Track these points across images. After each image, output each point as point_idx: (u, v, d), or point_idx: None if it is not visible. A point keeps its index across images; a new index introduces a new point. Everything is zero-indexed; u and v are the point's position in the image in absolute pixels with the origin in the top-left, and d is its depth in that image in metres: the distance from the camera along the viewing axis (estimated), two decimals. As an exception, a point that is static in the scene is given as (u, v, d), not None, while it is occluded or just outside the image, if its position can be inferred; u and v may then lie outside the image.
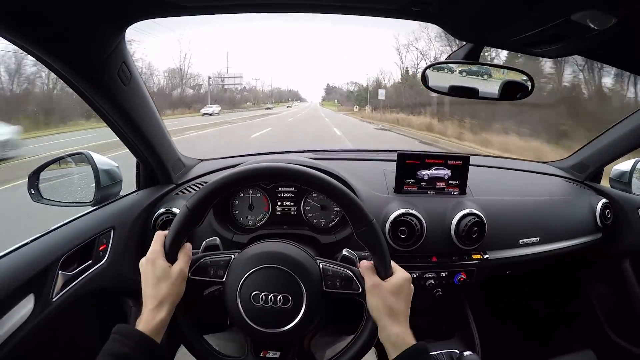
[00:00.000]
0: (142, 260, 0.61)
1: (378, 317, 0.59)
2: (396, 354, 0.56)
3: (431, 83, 0.90)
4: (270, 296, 0.60)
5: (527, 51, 0.85)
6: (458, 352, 1.15)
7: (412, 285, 0.62)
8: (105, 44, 0.69)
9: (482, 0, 0.61)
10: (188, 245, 0.63)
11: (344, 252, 0.68)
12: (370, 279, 0.60)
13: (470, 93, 0.93)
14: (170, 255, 0.60)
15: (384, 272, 0.60)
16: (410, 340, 0.57)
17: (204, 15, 0.75)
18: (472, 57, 0.83)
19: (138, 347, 0.53)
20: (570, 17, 0.59)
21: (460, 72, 0.94)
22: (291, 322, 0.60)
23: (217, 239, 0.70)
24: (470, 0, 0.61)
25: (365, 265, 0.62)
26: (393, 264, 0.62)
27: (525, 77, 0.91)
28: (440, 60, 0.90)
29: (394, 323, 0.57)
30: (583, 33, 0.65)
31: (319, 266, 0.64)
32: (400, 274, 0.61)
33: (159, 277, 0.58)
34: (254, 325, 0.60)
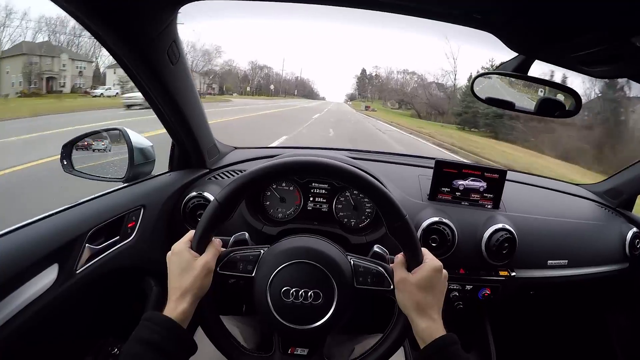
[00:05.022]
0: (169, 253, 0.61)
1: (406, 312, 0.59)
2: None
3: (478, 92, 0.90)
4: (300, 292, 0.59)
5: (579, 69, 0.84)
6: None
7: (444, 272, 0.60)
8: (158, 21, 0.69)
9: (544, 16, 0.60)
10: (217, 240, 0.63)
11: (375, 248, 0.68)
12: (399, 274, 0.60)
13: (507, 105, 0.93)
14: (198, 249, 0.59)
15: (414, 266, 0.59)
16: (437, 333, 0.56)
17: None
18: (522, 70, 0.83)
19: (167, 333, 0.53)
20: (630, 40, 0.58)
21: (506, 83, 0.94)
22: (321, 319, 0.59)
23: (246, 233, 0.69)
24: (532, 14, 0.60)
25: (397, 259, 0.62)
26: (425, 252, 0.61)
27: (571, 96, 0.89)
28: (490, 70, 0.89)
29: (421, 318, 0.57)
30: None
31: (350, 262, 0.63)
32: (429, 264, 0.59)
33: (183, 268, 0.58)
34: (283, 321, 0.59)
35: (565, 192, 1.34)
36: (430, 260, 0.60)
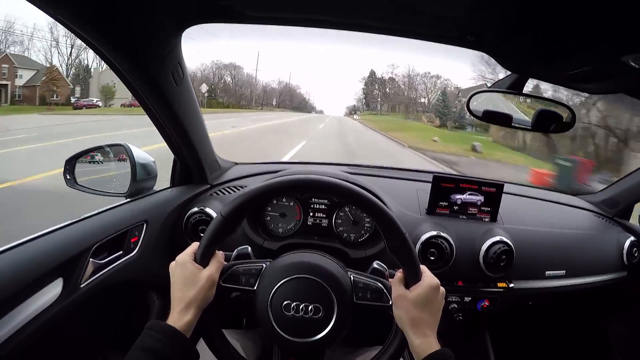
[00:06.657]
0: (172, 264, 0.62)
1: (402, 328, 0.60)
2: None
3: (474, 109, 0.92)
4: (301, 306, 0.60)
5: (572, 86, 0.86)
6: None
7: (441, 289, 0.62)
8: (165, 43, 0.71)
9: (536, 36, 0.62)
10: (220, 253, 0.64)
11: (375, 264, 0.69)
12: (396, 290, 0.61)
13: (504, 120, 0.94)
14: (202, 261, 0.61)
15: (412, 283, 0.61)
16: (431, 349, 0.57)
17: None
18: (516, 87, 0.84)
19: (171, 342, 0.54)
20: (621, 59, 0.60)
21: (501, 100, 0.95)
22: (321, 333, 0.61)
23: (249, 247, 0.71)
24: (524, 34, 0.62)
25: (396, 276, 0.63)
26: (423, 269, 0.63)
27: (566, 111, 0.91)
28: (485, 89, 0.91)
29: (416, 334, 0.58)
30: (631, 74, 0.66)
31: (350, 278, 0.65)
32: (427, 281, 0.61)
33: (187, 280, 0.59)
34: (283, 334, 0.61)
35: (562, 203, 1.35)
36: (428, 277, 0.62)
